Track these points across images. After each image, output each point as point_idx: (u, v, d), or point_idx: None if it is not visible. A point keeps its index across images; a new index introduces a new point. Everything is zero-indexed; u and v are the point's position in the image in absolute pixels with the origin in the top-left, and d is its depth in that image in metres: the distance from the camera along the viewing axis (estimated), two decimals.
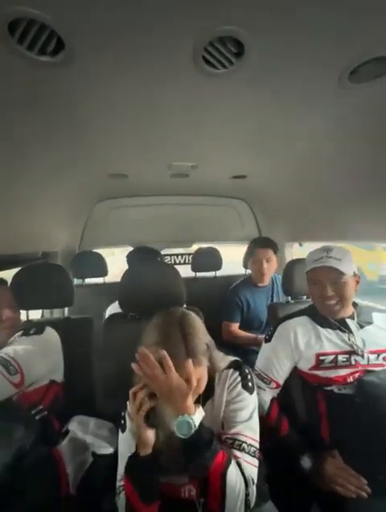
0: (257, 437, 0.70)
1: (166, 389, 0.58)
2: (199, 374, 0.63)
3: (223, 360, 0.76)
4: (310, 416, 0.99)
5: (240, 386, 0.72)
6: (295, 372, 1.03)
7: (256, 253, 1.72)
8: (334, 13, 0.47)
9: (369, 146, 0.88)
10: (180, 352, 0.61)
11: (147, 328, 0.68)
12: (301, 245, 2.02)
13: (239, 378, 0.73)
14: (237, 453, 0.65)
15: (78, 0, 0.43)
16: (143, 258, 1.84)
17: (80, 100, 0.69)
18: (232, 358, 0.79)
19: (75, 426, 0.99)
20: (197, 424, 0.59)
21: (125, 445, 0.70)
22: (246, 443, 0.67)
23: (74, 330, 1.23)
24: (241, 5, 0.45)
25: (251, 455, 0.66)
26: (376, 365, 0.94)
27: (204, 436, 0.60)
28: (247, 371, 0.76)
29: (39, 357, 0.95)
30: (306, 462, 0.87)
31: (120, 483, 0.68)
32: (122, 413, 0.74)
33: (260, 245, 1.73)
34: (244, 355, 1.67)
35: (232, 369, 0.75)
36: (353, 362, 0.94)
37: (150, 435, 0.63)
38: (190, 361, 0.59)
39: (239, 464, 0.63)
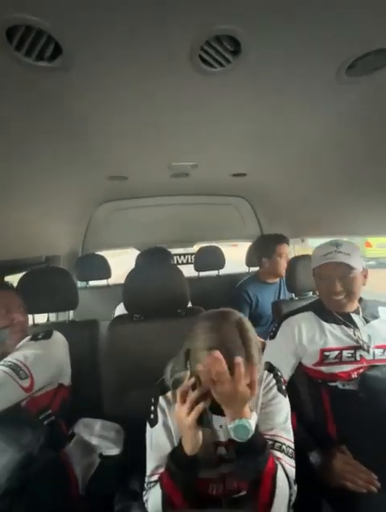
0: (292, 439, 0.70)
1: (231, 394, 0.58)
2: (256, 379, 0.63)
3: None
4: (316, 412, 0.99)
5: (275, 388, 0.73)
6: (300, 368, 1.03)
7: (278, 248, 1.70)
8: (330, 7, 0.46)
9: (368, 140, 0.87)
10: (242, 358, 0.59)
11: (200, 330, 0.65)
12: (303, 241, 2.02)
13: (274, 381, 0.74)
14: (278, 454, 0.66)
15: (75, 6, 0.43)
16: (154, 258, 1.84)
17: (79, 103, 0.69)
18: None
19: (80, 428, 1.00)
20: (253, 428, 0.59)
21: (157, 439, 0.70)
22: (285, 444, 0.68)
23: (80, 333, 1.24)
24: (237, 3, 0.45)
25: (289, 456, 0.67)
26: (382, 360, 0.94)
27: (259, 441, 0.61)
28: (279, 374, 0.77)
29: (48, 361, 0.96)
30: (315, 458, 0.87)
31: (152, 478, 0.68)
32: (151, 407, 0.74)
33: (280, 240, 1.72)
34: None
35: (266, 372, 0.76)
36: (358, 358, 0.94)
37: (200, 435, 0.63)
38: (255, 367, 0.60)
39: (283, 466, 0.64)
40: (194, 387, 0.62)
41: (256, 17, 0.48)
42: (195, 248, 2.37)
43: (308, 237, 1.95)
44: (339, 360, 0.95)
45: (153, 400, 0.75)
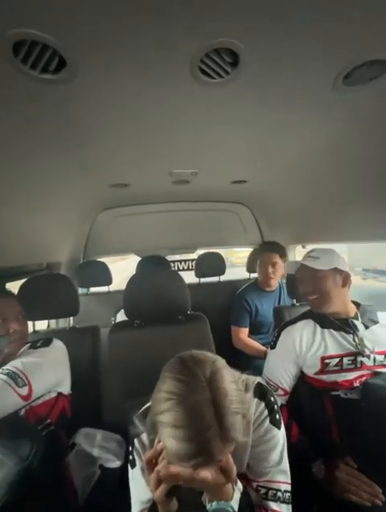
0: (289, 478, 0.64)
1: (199, 485, 0.50)
2: (230, 459, 0.53)
3: (242, 382, 0.62)
4: (320, 422, 0.97)
5: (267, 421, 0.63)
6: (302, 377, 1.02)
7: (262, 257, 1.73)
8: (326, 20, 0.48)
9: (367, 147, 0.88)
10: (217, 448, 0.46)
11: (161, 394, 0.50)
12: (304, 247, 2.02)
13: (265, 412, 0.64)
14: (273, 505, 0.60)
15: (78, 22, 0.45)
16: (153, 266, 1.86)
17: (82, 114, 0.71)
18: (251, 380, 0.64)
19: (81, 439, 0.98)
20: (236, 509, 0.52)
21: (137, 483, 0.63)
22: (280, 490, 0.61)
23: (80, 339, 1.23)
24: (236, 17, 0.47)
25: (286, 502, 0.61)
26: (383, 366, 0.93)
27: None
28: (273, 399, 0.67)
29: (47, 369, 0.95)
30: (318, 469, 0.85)
31: None
32: (130, 447, 0.66)
33: (266, 249, 1.75)
34: (252, 359, 1.66)
35: (256, 399, 0.65)
36: (359, 364, 0.93)
37: (173, 506, 0.55)
38: (229, 459, 0.50)
39: None
40: (158, 457, 0.52)
41: (254, 30, 0.49)
42: (196, 254, 2.38)
43: (309, 243, 1.95)
44: (340, 367, 0.94)
45: (130, 436, 0.67)
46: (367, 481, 0.79)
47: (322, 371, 0.96)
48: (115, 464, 0.95)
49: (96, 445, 0.97)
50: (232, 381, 0.51)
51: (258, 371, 1.12)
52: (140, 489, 0.62)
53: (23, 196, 1.06)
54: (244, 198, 1.98)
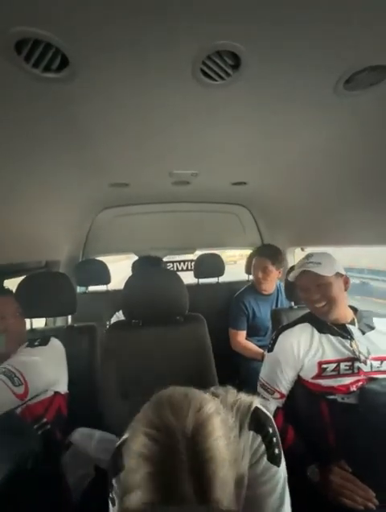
0: None
1: None
2: None
3: (241, 416, 0.55)
4: (315, 426, 0.97)
5: (265, 459, 0.54)
6: (299, 381, 1.02)
7: (255, 261, 1.73)
8: (328, 24, 0.48)
9: (366, 151, 0.89)
10: (182, 493, 0.36)
11: (133, 445, 0.40)
12: (303, 250, 2.02)
13: (262, 447, 0.55)
14: None
15: (81, 21, 0.45)
16: (145, 267, 1.87)
17: (83, 112, 0.71)
18: (247, 405, 0.57)
19: (77, 438, 0.98)
20: None
21: None
22: None
23: (77, 338, 1.23)
24: (237, 20, 0.47)
25: None
26: (380, 372, 0.93)
27: None
28: (271, 431, 0.57)
29: (44, 368, 0.95)
30: (313, 473, 0.85)
31: None
32: (111, 481, 0.55)
33: (259, 253, 1.75)
34: (250, 361, 1.66)
35: (252, 432, 0.55)
36: (356, 370, 0.93)
37: None
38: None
39: None
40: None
41: (256, 33, 0.49)
42: (195, 255, 2.38)
43: (308, 246, 1.95)
44: (337, 372, 0.94)
45: (109, 470, 0.57)
46: (362, 485, 0.79)
47: (319, 376, 0.96)
48: None
49: (92, 445, 0.97)
50: (221, 435, 0.41)
51: (255, 373, 1.12)
52: None
53: (23, 194, 1.06)
54: (244, 199, 1.99)
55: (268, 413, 0.60)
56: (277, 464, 0.55)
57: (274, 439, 0.57)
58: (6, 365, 0.86)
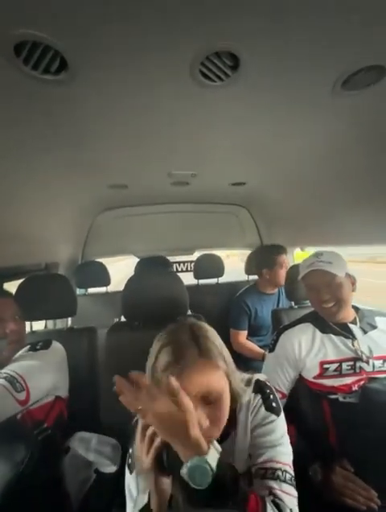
0: (291, 462, 0.61)
1: (168, 418, 0.44)
2: (216, 383, 0.55)
3: (242, 380, 0.67)
4: (317, 425, 0.97)
5: (263, 408, 0.65)
6: (300, 381, 1.01)
7: (278, 259, 1.71)
8: (325, 25, 0.48)
9: (365, 150, 0.89)
10: (191, 354, 0.55)
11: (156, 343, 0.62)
12: (302, 249, 2.02)
13: (260, 401, 0.65)
14: (273, 484, 0.55)
15: (80, 23, 0.45)
16: (154, 266, 1.86)
17: (82, 114, 0.71)
18: (249, 376, 0.70)
19: (76, 443, 0.96)
20: (214, 467, 0.43)
21: (134, 489, 0.60)
22: (280, 469, 0.58)
23: (77, 340, 1.23)
24: (236, 21, 0.47)
25: (288, 483, 0.57)
26: (382, 371, 0.92)
27: (226, 482, 0.44)
28: (268, 391, 0.68)
29: (46, 373, 0.93)
30: (315, 473, 0.85)
31: None
32: (129, 450, 0.64)
33: (281, 251, 1.74)
34: (251, 361, 1.66)
35: (253, 393, 0.67)
36: (358, 369, 0.93)
37: (165, 484, 0.50)
38: (221, 406, 0.54)
39: (277, 498, 0.54)
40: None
41: (254, 35, 0.50)
42: (195, 256, 2.38)
43: (307, 246, 1.96)
44: (339, 372, 0.94)
45: (130, 442, 0.64)
46: (363, 485, 0.79)
47: (320, 375, 0.96)
48: (110, 468, 0.93)
49: (91, 450, 0.96)
50: (214, 332, 0.64)
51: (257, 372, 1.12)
52: (137, 493, 0.59)
53: (22, 195, 1.06)
54: (243, 200, 1.99)
55: (268, 383, 0.70)
56: (276, 413, 0.64)
57: (271, 396, 0.67)
58: (8, 371, 0.84)
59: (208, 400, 0.54)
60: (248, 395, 0.65)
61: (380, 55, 0.55)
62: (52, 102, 0.64)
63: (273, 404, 0.66)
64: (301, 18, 0.47)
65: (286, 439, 0.63)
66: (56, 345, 1.06)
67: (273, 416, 0.64)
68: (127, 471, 0.63)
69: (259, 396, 0.67)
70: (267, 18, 0.46)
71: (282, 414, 0.66)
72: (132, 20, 0.46)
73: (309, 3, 0.44)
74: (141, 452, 0.50)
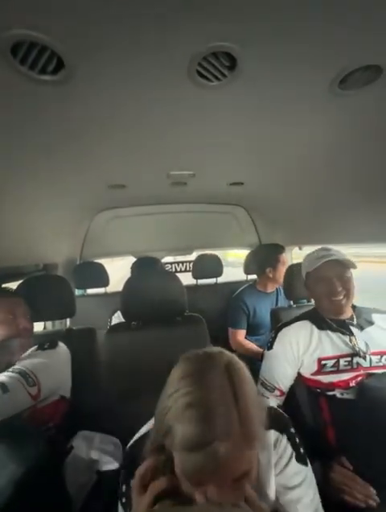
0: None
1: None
2: (251, 463, 0.42)
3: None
4: (315, 422, 0.98)
5: (294, 460, 0.56)
6: (298, 378, 1.02)
7: (281, 258, 1.75)
8: (322, 25, 0.49)
9: (363, 149, 0.89)
10: (236, 435, 0.38)
11: (175, 381, 0.44)
12: (300, 249, 2.03)
13: (289, 448, 0.56)
14: None
15: (76, 23, 0.45)
16: (143, 267, 1.87)
17: (80, 114, 0.71)
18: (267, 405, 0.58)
19: (79, 442, 0.98)
20: None
21: None
22: None
23: (77, 341, 1.23)
24: (233, 21, 0.47)
25: None
26: (379, 367, 0.93)
27: None
28: (292, 430, 0.59)
29: (54, 371, 0.96)
30: (314, 471, 0.85)
31: None
32: (123, 486, 0.54)
33: (282, 250, 1.79)
34: (250, 361, 1.66)
35: (273, 431, 0.56)
36: (355, 365, 0.93)
37: None
38: (253, 442, 0.40)
39: None
40: (159, 471, 0.42)
41: (251, 34, 0.50)
42: (194, 256, 2.38)
43: (305, 245, 1.96)
44: (337, 368, 0.95)
45: (122, 474, 0.55)
46: (362, 482, 0.79)
47: (318, 372, 0.96)
48: (113, 465, 0.94)
49: (94, 448, 0.97)
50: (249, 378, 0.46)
51: (255, 373, 1.12)
52: None
53: (20, 196, 1.05)
54: (242, 200, 1.99)
55: (284, 413, 0.61)
56: (305, 464, 0.57)
57: (297, 440, 0.58)
58: (20, 366, 0.88)
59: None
60: (271, 437, 0.56)
61: (377, 54, 0.55)
62: (49, 103, 0.64)
63: (301, 450, 0.58)
64: (298, 18, 0.47)
65: (317, 495, 0.57)
66: (62, 346, 1.09)
67: (305, 470, 0.57)
68: (120, 507, 0.54)
69: (285, 438, 0.57)
70: (264, 18, 0.47)
71: (308, 461, 0.58)
72: (129, 21, 0.46)
73: (306, 3, 0.44)
74: (139, 507, 0.43)
